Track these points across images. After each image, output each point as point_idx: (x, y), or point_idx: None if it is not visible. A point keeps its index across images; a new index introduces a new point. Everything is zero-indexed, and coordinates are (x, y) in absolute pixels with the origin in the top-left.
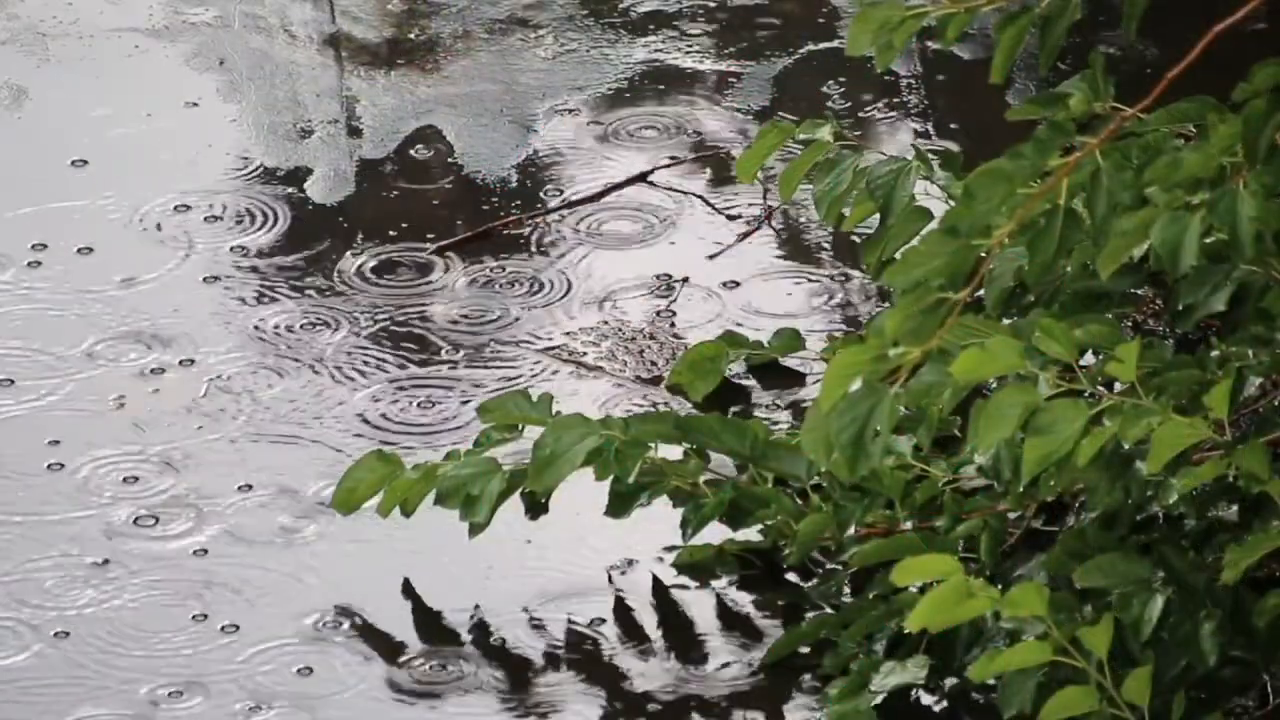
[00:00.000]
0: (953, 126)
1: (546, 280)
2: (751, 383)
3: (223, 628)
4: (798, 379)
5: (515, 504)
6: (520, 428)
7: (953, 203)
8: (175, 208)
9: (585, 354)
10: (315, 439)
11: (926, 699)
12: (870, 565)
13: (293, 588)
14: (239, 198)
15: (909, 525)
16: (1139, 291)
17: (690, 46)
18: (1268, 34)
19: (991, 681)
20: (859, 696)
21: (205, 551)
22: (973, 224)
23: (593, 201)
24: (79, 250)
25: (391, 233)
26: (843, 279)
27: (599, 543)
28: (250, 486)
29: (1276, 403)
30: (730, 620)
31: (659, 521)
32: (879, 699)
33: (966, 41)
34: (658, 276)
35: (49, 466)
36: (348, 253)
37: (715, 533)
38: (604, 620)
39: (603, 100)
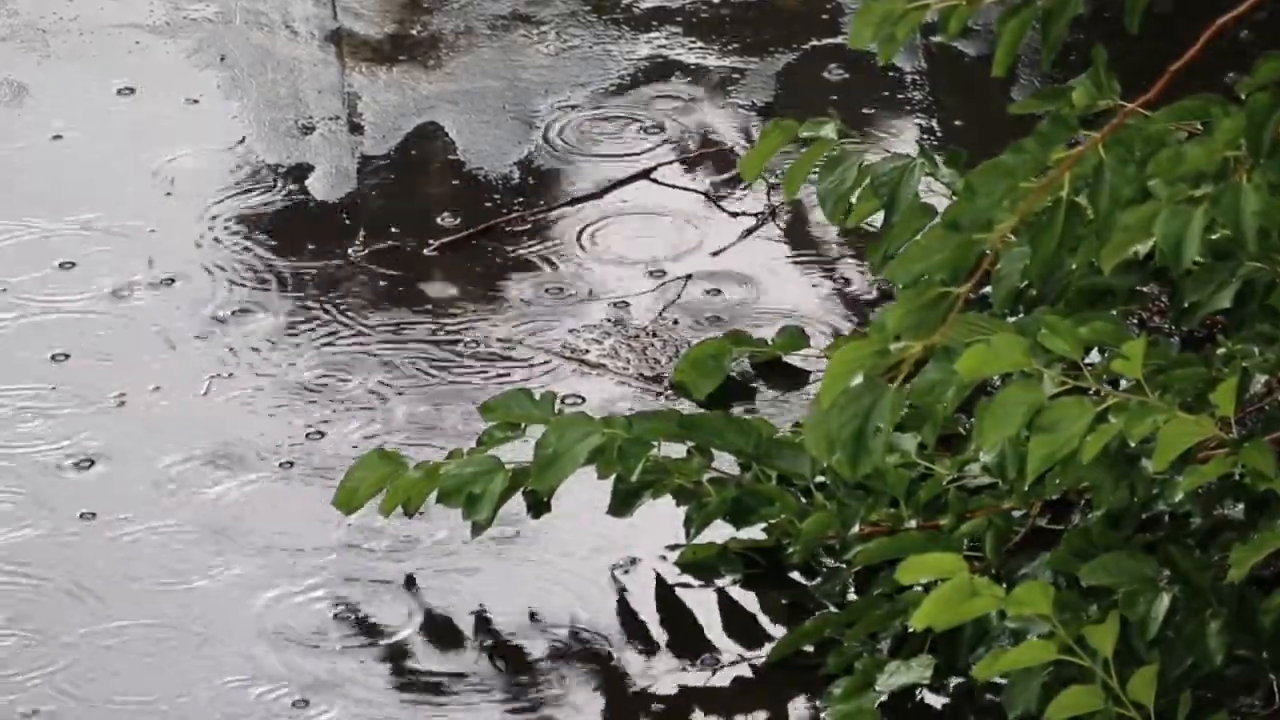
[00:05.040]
0: (957, 123)
1: (548, 278)
2: (755, 381)
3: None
4: (802, 377)
5: (518, 502)
6: (523, 426)
7: (956, 199)
8: (174, 206)
9: (588, 352)
10: (317, 450)
11: (931, 698)
12: (874, 564)
13: (292, 587)
14: (240, 195)
15: (913, 524)
16: (1144, 289)
17: (693, 42)
18: (1270, 27)
19: (997, 680)
20: (863, 696)
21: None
22: (974, 219)
23: (595, 198)
24: (77, 244)
25: (393, 229)
26: (846, 277)
27: (602, 541)
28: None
29: None
30: (733, 619)
31: (662, 520)
32: (883, 698)
33: (971, 37)
34: (660, 274)
35: None
36: (348, 250)
37: (719, 531)
38: (607, 618)
39: (606, 96)
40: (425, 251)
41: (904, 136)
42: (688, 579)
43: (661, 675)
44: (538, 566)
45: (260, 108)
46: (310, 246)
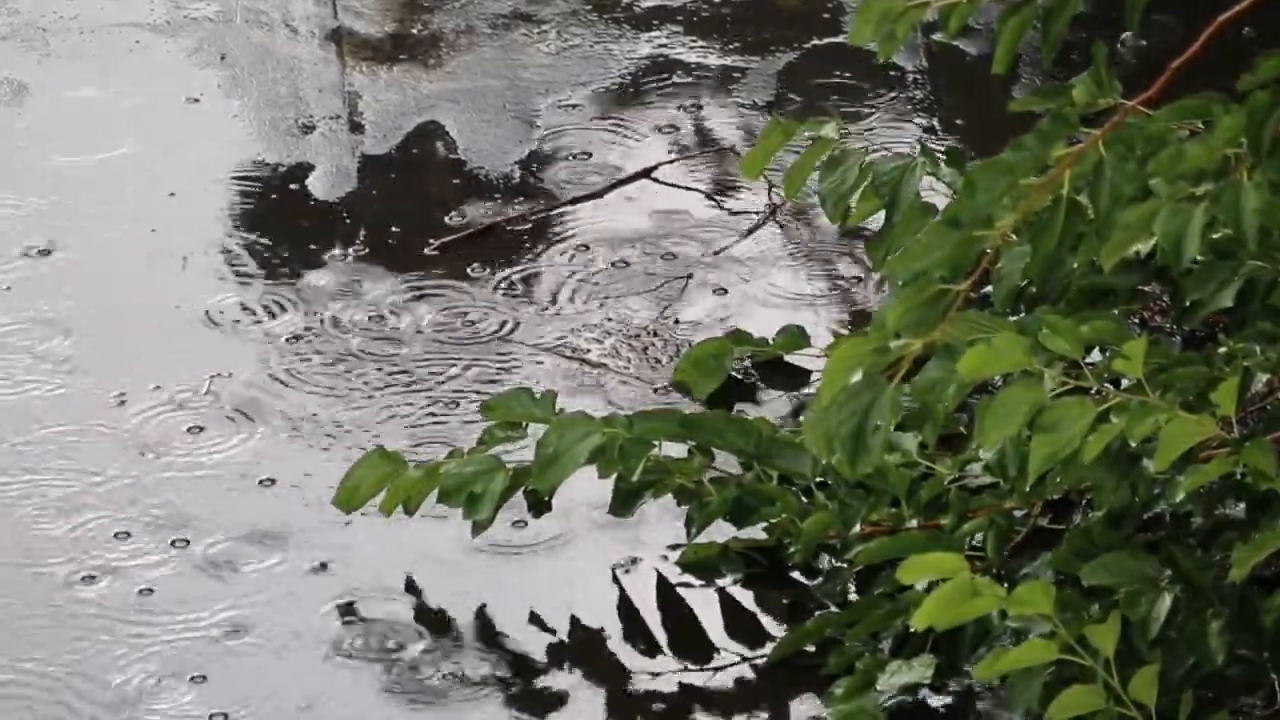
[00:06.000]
0: (958, 123)
1: (549, 277)
2: (756, 380)
3: (225, 632)
4: (802, 377)
5: (518, 501)
6: (524, 425)
7: (957, 197)
8: (175, 204)
9: (589, 351)
10: (325, 445)
11: (932, 698)
12: (875, 563)
13: (293, 587)
14: (240, 195)
15: (914, 523)
16: (1145, 288)
17: (694, 41)
18: (1274, 25)
19: (998, 681)
20: (864, 695)
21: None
22: (974, 216)
23: (596, 198)
24: (78, 243)
25: (394, 229)
26: (847, 276)
27: (603, 541)
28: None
29: None
30: (735, 619)
31: (663, 520)
32: (884, 698)
33: (972, 37)
34: (662, 273)
35: None
36: (349, 249)
37: (720, 531)
38: (608, 618)
39: (606, 96)
40: (426, 250)
41: (905, 136)
42: (689, 579)
43: (662, 675)
44: (538, 566)
45: (261, 107)
46: (311, 246)
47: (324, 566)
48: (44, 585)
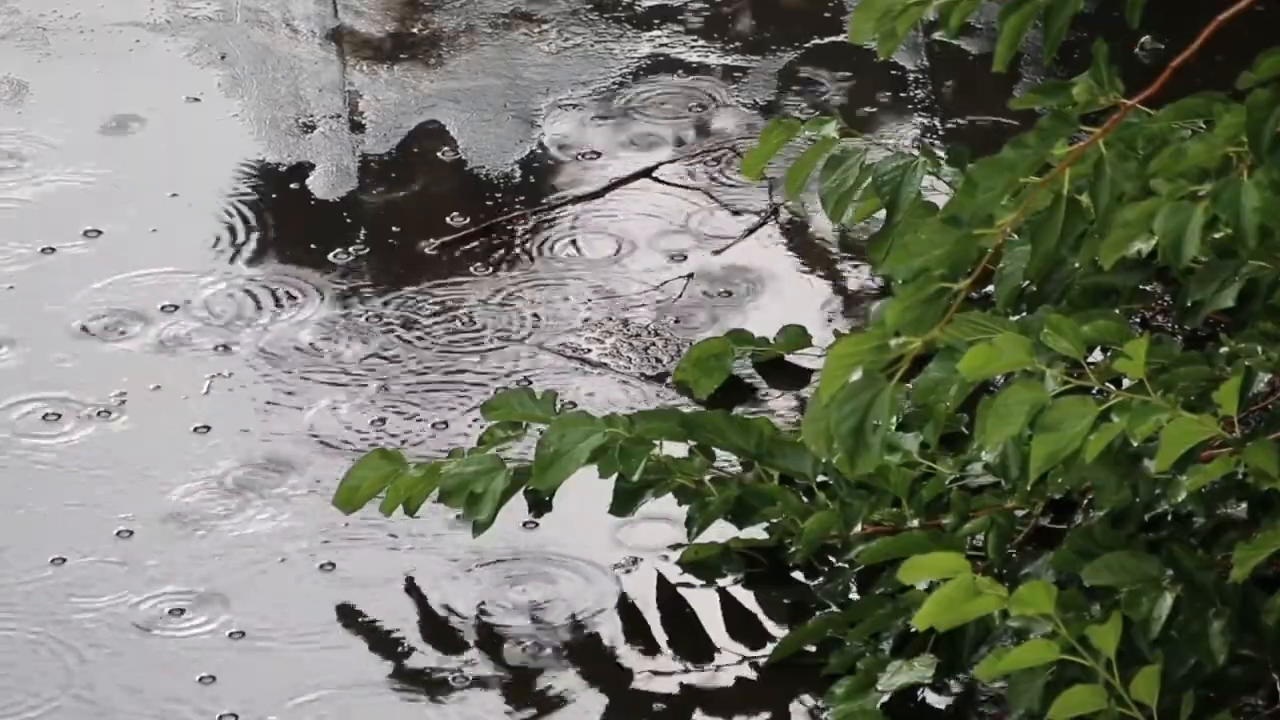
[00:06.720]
0: (959, 122)
1: (549, 277)
2: (757, 380)
3: (230, 635)
4: (804, 376)
5: (519, 501)
6: (524, 425)
7: (957, 194)
8: (176, 204)
9: (589, 351)
10: (317, 448)
11: (933, 698)
12: (877, 563)
13: (295, 586)
14: (241, 194)
15: (916, 523)
16: (1147, 288)
17: (695, 41)
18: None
19: (999, 681)
20: (865, 695)
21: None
22: (974, 214)
23: (596, 197)
24: (79, 243)
25: (394, 228)
26: (848, 275)
27: (604, 540)
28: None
29: None
30: (736, 618)
31: (664, 519)
32: (885, 698)
33: (973, 36)
34: (663, 273)
35: None
36: (349, 248)
37: (721, 530)
38: (609, 618)
39: (607, 95)
40: (426, 250)
41: (906, 135)
42: (690, 578)
43: (663, 675)
44: (539, 566)
45: (261, 106)
46: (311, 245)
47: (332, 566)
48: None
